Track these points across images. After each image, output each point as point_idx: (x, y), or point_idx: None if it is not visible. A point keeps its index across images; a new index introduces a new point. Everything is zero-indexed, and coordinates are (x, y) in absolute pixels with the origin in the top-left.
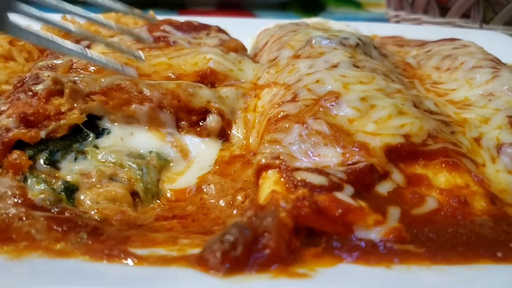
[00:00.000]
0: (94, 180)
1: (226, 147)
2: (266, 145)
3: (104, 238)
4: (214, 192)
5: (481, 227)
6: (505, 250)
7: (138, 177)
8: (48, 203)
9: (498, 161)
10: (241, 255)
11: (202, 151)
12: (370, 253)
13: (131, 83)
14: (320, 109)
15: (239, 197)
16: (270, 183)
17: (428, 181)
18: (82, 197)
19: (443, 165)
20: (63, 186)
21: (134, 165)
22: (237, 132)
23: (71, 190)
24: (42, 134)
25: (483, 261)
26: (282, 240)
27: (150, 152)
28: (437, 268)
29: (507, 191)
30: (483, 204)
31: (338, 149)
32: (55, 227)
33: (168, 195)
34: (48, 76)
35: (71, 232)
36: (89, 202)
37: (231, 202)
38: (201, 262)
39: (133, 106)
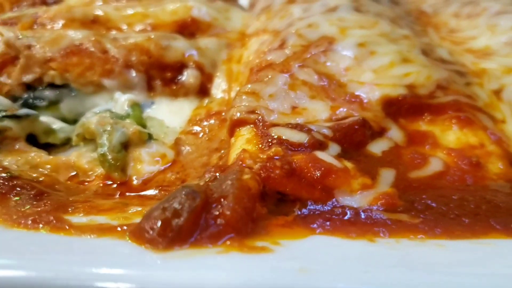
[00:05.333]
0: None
1: (202, 105)
2: (243, 97)
3: (45, 204)
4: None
5: (494, 194)
6: None
7: None
8: None
9: None
10: (184, 224)
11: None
12: (352, 223)
13: (94, 41)
14: (309, 56)
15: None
16: (242, 141)
17: (433, 140)
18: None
19: (454, 121)
20: None
21: None
22: (218, 87)
23: None
24: None
25: (493, 235)
26: (240, 208)
27: None
28: (433, 242)
29: None
30: (500, 167)
31: (327, 102)
32: None
33: None
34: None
35: (9, 194)
36: (7, 163)
37: (206, 164)
38: (136, 233)
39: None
